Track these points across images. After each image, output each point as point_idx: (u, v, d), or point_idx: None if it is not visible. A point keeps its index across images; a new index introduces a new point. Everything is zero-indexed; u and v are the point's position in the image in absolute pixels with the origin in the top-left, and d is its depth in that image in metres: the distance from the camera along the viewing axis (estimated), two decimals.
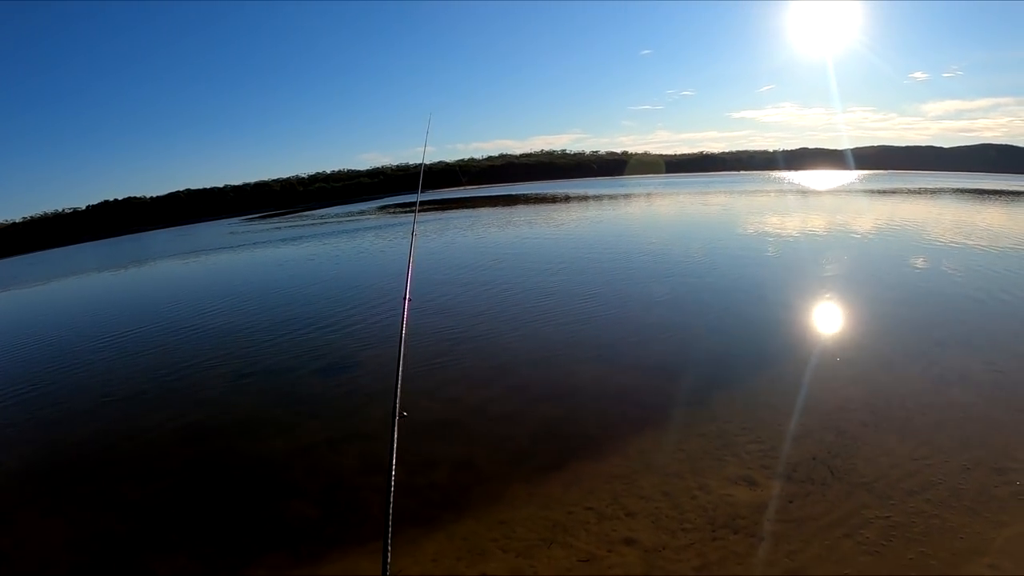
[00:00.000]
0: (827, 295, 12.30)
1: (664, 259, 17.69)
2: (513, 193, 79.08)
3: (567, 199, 57.13)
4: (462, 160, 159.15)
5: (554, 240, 24.51)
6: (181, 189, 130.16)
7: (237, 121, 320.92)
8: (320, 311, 14.36)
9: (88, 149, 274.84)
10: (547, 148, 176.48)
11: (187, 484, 6.68)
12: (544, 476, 6.00)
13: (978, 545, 4.46)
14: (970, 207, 33.94)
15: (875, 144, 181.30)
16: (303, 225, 51.69)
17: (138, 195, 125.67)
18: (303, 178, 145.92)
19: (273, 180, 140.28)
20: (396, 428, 2.72)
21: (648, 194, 58.31)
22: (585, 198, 56.94)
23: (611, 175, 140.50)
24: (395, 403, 2.86)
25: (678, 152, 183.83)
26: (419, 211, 7.34)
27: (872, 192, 50.24)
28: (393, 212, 58.80)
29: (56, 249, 77.06)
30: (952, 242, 18.68)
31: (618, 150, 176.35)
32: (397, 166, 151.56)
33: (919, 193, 46.95)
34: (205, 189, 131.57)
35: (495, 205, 56.34)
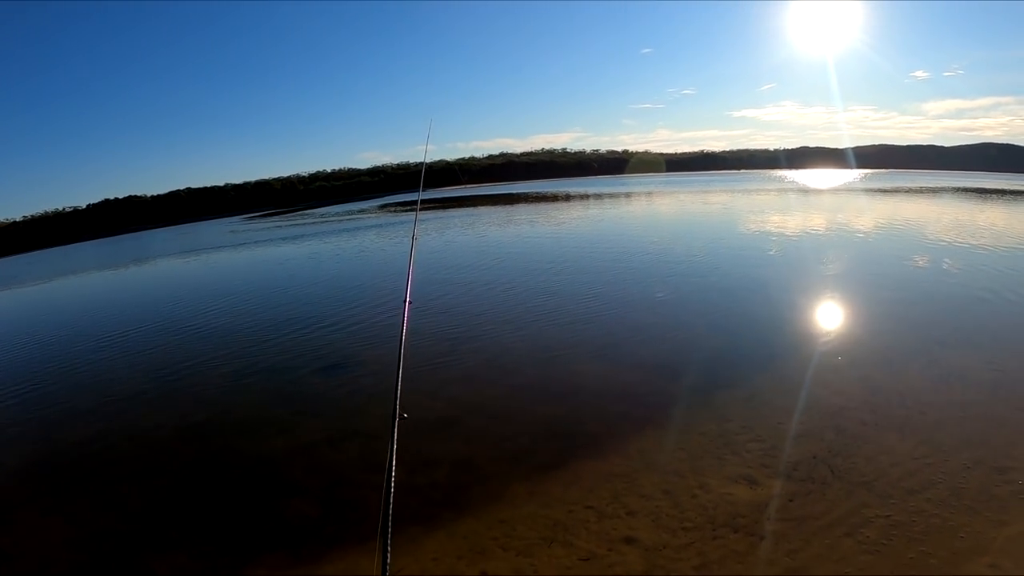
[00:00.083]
0: (828, 294, 12.29)
1: (666, 258, 17.67)
2: (514, 192, 79.06)
3: (568, 198, 57.11)
4: (463, 159, 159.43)
5: (556, 239, 24.50)
6: (181, 188, 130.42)
7: (237, 120, 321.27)
8: (321, 310, 14.36)
9: (88, 148, 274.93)
10: (548, 147, 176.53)
11: (187, 483, 6.68)
12: (544, 475, 6.00)
13: (979, 544, 4.46)
14: (971, 206, 33.91)
15: (876, 143, 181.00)
16: (304, 224, 51.71)
17: (138, 194, 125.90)
18: (304, 177, 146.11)
19: (274, 179, 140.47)
20: (396, 429, 2.72)
21: (649, 193, 58.30)
22: (586, 197, 56.94)
23: (612, 174, 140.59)
24: (395, 405, 2.86)
25: (679, 151, 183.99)
26: (420, 209, 7.34)
27: (873, 191, 50.20)
28: (394, 211, 58.81)
29: (56, 248, 77.17)
30: (953, 241, 18.67)
31: (619, 149, 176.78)
32: (398, 165, 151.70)
33: (920, 192, 46.92)
34: (206, 188, 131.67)
35: (496, 204, 56.36)
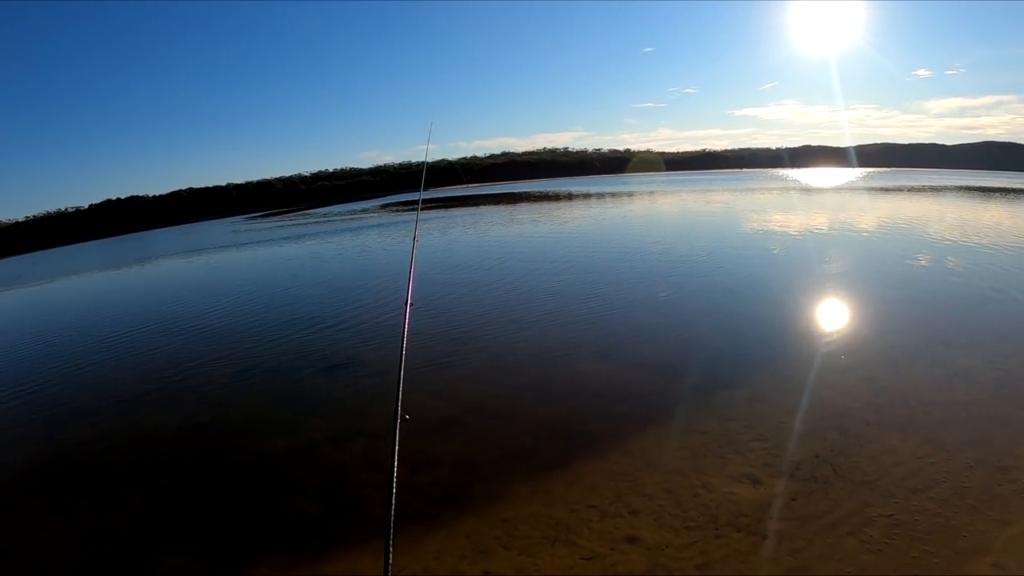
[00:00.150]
0: (831, 293, 12.28)
1: (668, 258, 17.66)
2: (516, 191, 79.06)
3: (570, 197, 57.11)
4: (464, 158, 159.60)
5: (558, 239, 24.49)
6: (184, 188, 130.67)
7: (239, 120, 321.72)
8: (323, 310, 14.36)
9: (89, 148, 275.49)
10: (550, 146, 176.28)
11: (189, 483, 6.69)
12: (547, 474, 6.00)
13: (981, 544, 4.45)
14: (974, 205, 33.83)
15: (878, 141, 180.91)
16: (306, 223, 51.75)
17: (141, 194, 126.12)
18: (305, 176, 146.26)
19: (276, 179, 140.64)
20: (398, 431, 2.72)
21: (651, 192, 58.26)
22: (588, 196, 56.95)
23: (614, 173, 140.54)
24: (397, 407, 2.86)
25: (681, 150, 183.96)
26: (422, 209, 7.33)
27: (875, 190, 50.11)
28: (396, 210, 58.84)
29: (59, 248, 77.30)
30: (956, 240, 18.64)
31: (621, 148, 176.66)
32: (399, 164, 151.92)
33: (922, 191, 46.84)
34: (208, 188, 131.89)
35: (498, 203, 56.35)
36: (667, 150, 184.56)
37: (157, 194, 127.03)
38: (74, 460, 7.60)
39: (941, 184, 56.49)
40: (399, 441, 2.68)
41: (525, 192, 74.41)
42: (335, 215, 60.85)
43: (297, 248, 31.59)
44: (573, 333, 10.51)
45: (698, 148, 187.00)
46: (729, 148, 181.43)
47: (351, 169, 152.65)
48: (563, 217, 35.64)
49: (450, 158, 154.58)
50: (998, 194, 41.05)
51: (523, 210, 44.62)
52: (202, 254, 35.81)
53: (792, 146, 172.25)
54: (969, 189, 47.86)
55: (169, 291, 22.31)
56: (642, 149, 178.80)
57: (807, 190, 52.53)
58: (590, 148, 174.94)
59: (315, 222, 52.35)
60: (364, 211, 62.33)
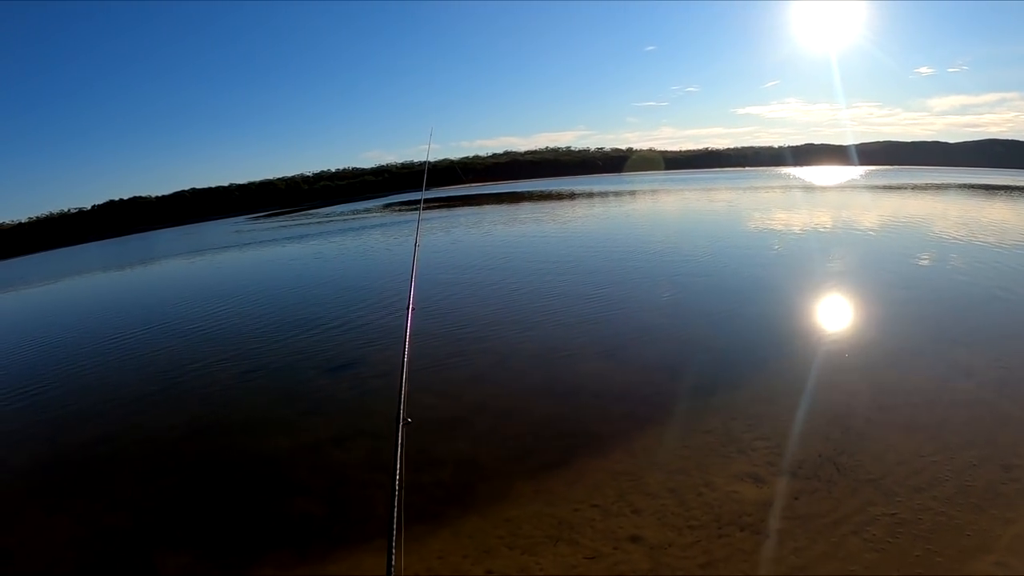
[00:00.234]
0: (833, 292, 12.27)
1: (671, 257, 17.65)
2: (518, 190, 79.03)
3: (572, 196, 57.10)
4: (467, 157, 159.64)
5: (561, 238, 24.49)
6: (186, 188, 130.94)
7: (241, 120, 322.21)
8: (326, 311, 14.38)
9: (92, 148, 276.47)
10: (552, 145, 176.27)
11: (193, 482, 6.71)
12: (550, 474, 6.00)
13: (985, 542, 4.44)
14: (977, 203, 33.75)
15: (881, 139, 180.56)
16: (308, 224, 51.81)
17: (143, 194, 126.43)
18: (308, 176, 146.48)
19: (278, 179, 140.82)
20: (400, 434, 2.73)
21: (654, 191, 58.20)
22: (591, 195, 56.92)
23: (616, 172, 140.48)
24: (399, 410, 2.86)
25: (683, 149, 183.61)
26: (424, 208, 7.34)
27: (878, 188, 50.03)
28: (398, 210, 58.86)
29: (62, 249, 77.46)
30: (959, 238, 18.61)
31: (623, 147, 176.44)
32: (401, 164, 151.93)
33: (925, 189, 46.74)
34: (210, 188, 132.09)
35: (501, 202, 56.38)
36: (669, 149, 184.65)
37: (160, 194, 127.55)
38: (78, 460, 7.62)
39: (944, 182, 56.37)
40: (402, 444, 2.68)
41: (527, 191, 74.41)
42: (338, 215, 60.92)
43: (300, 248, 31.63)
44: (576, 333, 10.51)
45: (700, 147, 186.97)
46: (731, 147, 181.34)
47: (353, 169, 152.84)
48: (566, 216, 35.62)
49: (452, 158, 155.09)
50: (1001, 192, 40.95)
51: (526, 209, 44.61)
52: (205, 255, 35.87)
53: (794, 144, 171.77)
54: (972, 187, 47.74)
55: (172, 292, 22.34)
56: (644, 148, 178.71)
57: (810, 188, 52.46)
58: (592, 147, 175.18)
59: (318, 222, 52.41)
60: (367, 211, 62.38)
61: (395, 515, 2.30)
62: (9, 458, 7.99)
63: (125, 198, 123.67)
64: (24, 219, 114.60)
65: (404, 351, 3.36)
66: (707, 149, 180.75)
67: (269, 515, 5.82)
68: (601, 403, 7.62)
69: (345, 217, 55.28)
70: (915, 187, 48.77)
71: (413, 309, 3.93)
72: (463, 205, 54.41)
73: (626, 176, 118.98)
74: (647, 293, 13.08)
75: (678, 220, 30.04)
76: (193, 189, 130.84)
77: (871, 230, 21.76)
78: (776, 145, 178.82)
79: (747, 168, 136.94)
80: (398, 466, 2.51)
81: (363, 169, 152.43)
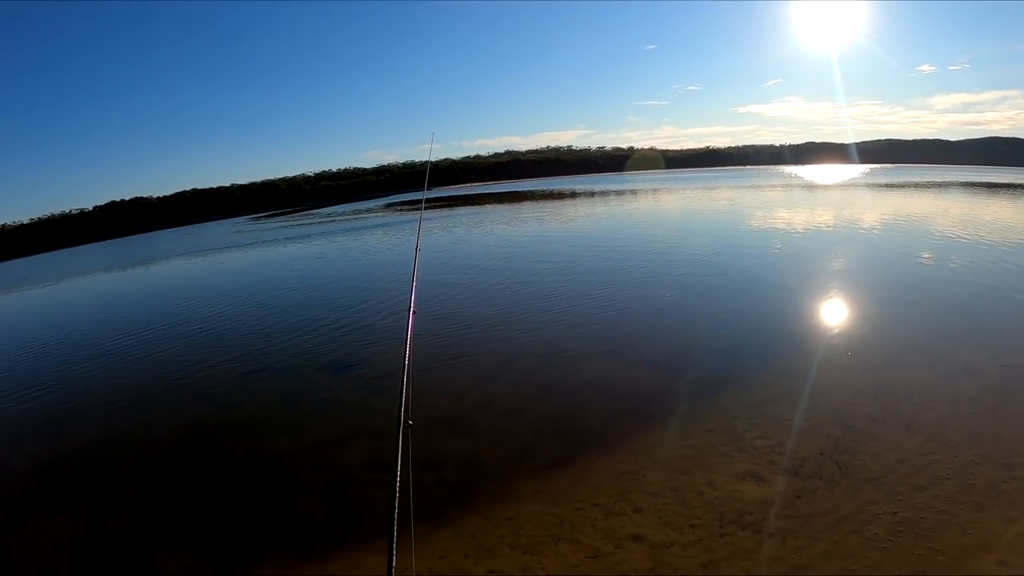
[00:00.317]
0: (835, 291, 12.27)
1: (673, 257, 17.65)
2: (520, 190, 79.07)
3: (574, 195, 57.12)
4: (468, 157, 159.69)
5: (563, 238, 24.50)
6: (188, 189, 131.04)
7: (242, 121, 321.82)
8: (328, 311, 14.40)
9: (93, 149, 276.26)
10: (553, 144, 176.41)
11: (194, 482, 6.72)
12: (551, 473, 6.01)
13: (986, 541, 4.44)
14: (978, 201, 33.71)
15: (882, 138, 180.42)
16: (310, 224, 51.85)
17: (145, 195, 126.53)
18: (309, 176, 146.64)
19: (279, 179, 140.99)
20: (401, 438, 2.73)
21: (655, 190, 58.19)
22: (592, 194, 56.93)
23: (617, 171, 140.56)
24: (400, 414, 2.87)
25: (684, 147, 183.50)
26: (426, 208, 7.35)
27: (879, 186, 49.99)
28: (400, 210, 58.89)
29: (64, 250, 77.55)
30: (960, 236, 18.58)
31: (624, 146, 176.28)
32: (403, 164, 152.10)
33: (927, 187, 46.68)
34: (211, 188, 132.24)
35: (502, 202, 56.39)
36: (671, 148, 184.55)
37: (161, 195, 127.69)
38: (81, 461, 7.64)
39: (945, 180, 56.30)
40: (402, 448, 2.69)
41: (529, 190, 74.43)
42: (339, 215, 60.96)
43: (302, 248, 31.65)
44: (578, 332, 10.51)
45: (702, 146, 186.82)
46: (732, 145, 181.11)
47: (355, 169, 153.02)
48: (568, 215, 35.63)
49: (453, 157, 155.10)
50: (1003, 190, 40.91)
51: (528, 209, 44.62)
52: (207, 255, 35.90)
53: (796, 143, 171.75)
54: (974, 185, 47.69)
55: (175, 293, 22.38)
56: (645, 147, 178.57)
57: (811, 187, 52.43)
58: (593, 146, 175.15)
59: (319, 222, 52.45)
60: (368, 211, 62.41)
61: (395, 517, 2.30)
62: (12, 459, 8.00)
63: (127, 199, 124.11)
64: (26, 220, 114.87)
65: (405, 355, 3.37)
66: (708, 148, 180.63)
67: (271, 515, 5.83)
68: (603, 402, 7.62)
69: (347, 217, 55.31)
70: (916, 185, 48.73)
71: (414, 313, 3.93)
72: (465, 204, 54.45)
73: (627, 175, 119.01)
74: (649, 293, 13.08)
75: (680, 219, 30.02)
76: (194, 189, 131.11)
77: (873, 229, 21.74)
78: (777, 144, 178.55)
79: (748, 167, 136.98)
80: (399, 469, 2.52)
81: (364, 169, 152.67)
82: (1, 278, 42.91)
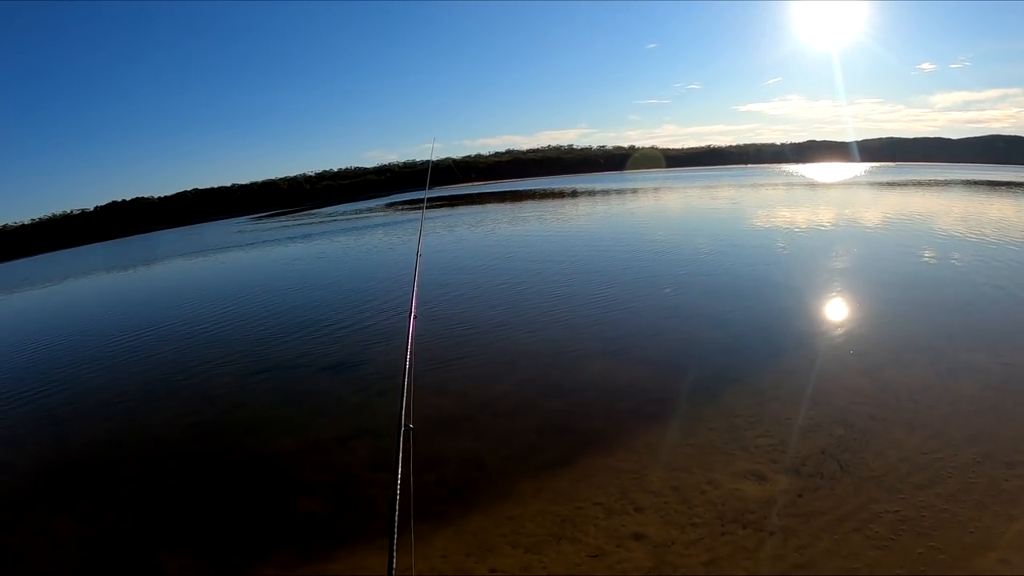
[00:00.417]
0: (836, 289, 12.26)
1: (674, 255, 17.66)
2: (521, 189, 79.08)
3: (575, 194, 57.12)
4: (469, 156, 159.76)
5: (564, 237, 24.51)
6: (189, 189, 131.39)
7: (243, 121, 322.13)
8: (330, 311, 14.41)
9: (94, 150, 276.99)
10: (554, 143, 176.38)
11: (196, 482, 6.72)
12: (552, 471, 6.01)
13: (988, 539, 4.44)
14: (980, 199, 33.68)
15: (883, 136, 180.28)
16: (311, 223, 51.86)
17: (146, 195, 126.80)
18: (310, 176, 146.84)
19: (280, 179, 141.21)
20: (402, 440, 2.74)
21: (656, 189, 58.17)
22: (593, 193, 56.92)
23: (618, 169, 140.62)
24: (401, 416, 2.87)
25: (686, 146, 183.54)
26: (428, 207, 7.35)
27: (881, 185, 49.95)
28: (401, 209, 58.91)
29: (66, 250, 77.61)
30: (961, 235, 18.56)
31: (625, 144, 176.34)
32: (404, 163, 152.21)
33: (928, 185, 46.64)
34: (212, 188, 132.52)
35: (504, 201, 56.40)
36: (672, 146, 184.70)
37: (162, 195, 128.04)
38: (82, 461, 7.65)
39: (946, 178, 56.27)
40: (403, 450, 2.69)
41: (530, 189, 74.44)
42: (340, 215, 60.97)
43: (303, 248, 31.67)
44: (579, 330, 10.51)
45: (703, 144, 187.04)
46: (733, 144, 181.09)
47: (355, 168, 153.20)
48: (570, 214, 35.65)
49: (454, 156, 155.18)
50: (1004, 188, 40.86)
51: (529, 208, 44.61)
52: (209, 255, 35.93)
53: (796, 141, 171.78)
54: (975, 183, 47.65)
55: (177, 293, 22.41)
56: (647, 146, 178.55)
57: (812, 185, 52.39)
58: (594, 145, 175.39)
59: (320, 222, 52.47)
60: (369, 210, 62.42)
61: (396, 519, 2.31)
62: (13, 459, 8.01)
63: (128, 199, 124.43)
64: (27, 220, 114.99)
65: (406, 359, 3.37)
66: (709, 147, 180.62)
67: (273, 514, 5.84)
68: (604, 401, 7.62)
69: (348, 217, 55.32)
70: (918, 184, 48.70)
71: (415, 317, 3.93)
72: (466, 204, 54.44)
73: (628, 174, 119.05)
74: (652, 292, 13.07)
75: (682, 218, 30.02)
76: (196, 190, 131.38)
77: (875, 227, 21.72)
78: (778, 142, 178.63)
79: (749, 165, 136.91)
80: (399, 471, 2.52)
81: (365, 168, 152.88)
82: (3, 278, 42.98)
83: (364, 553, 5.01)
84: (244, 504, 6.13)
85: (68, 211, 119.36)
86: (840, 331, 9.59)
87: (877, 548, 4.45)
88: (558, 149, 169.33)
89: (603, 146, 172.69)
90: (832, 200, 36.38)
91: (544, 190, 70.46)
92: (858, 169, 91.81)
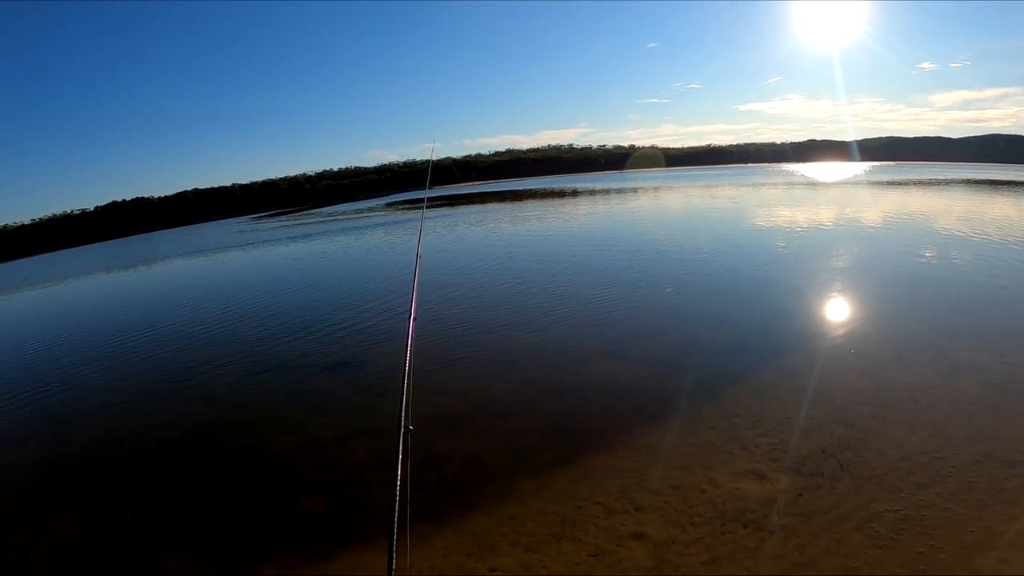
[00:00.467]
0: (837, 289, 12.25)
1: (674, 255, 17.65)
2: (521, 188, 79.04)
3: (575, 194, 57.07)
4: (469, 155, 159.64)
5: (565, 236, 24.48)
6: (189, 189, 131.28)
7: (243, 120, 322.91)
8: (331, 311, 14.41)
9: (94, 150, 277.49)
10: (554, 143, 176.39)
11: (197, 481, 6.73)
12: (553, 471, 6.01)
13: (988, 539, 4.44)
14: (981, 198, 33.66)
15: (883, 135, 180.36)
16: (311, 223, 51.84)
17: (146, 195, 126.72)
18: (310, 176, 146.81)
19: (280, 178, 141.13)
20: (401, 442, 2.74)
21: (656, 188, 58.14)
22: (593, 192, 56.88)
23: (618, 169, 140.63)
24: (401, 419, 2.87)
25: (686, 145, 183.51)
26: (428, 207, 7.34)
27: (881, 184, 49.92)
28: (401, 208, 58.89)
29: (66, 250, 77.60)
30: (963, 234, 18.54)
31: (625, 144, 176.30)
32: (404, 163, 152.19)
33: (929, 184, 46.61)
34: (213, 188, 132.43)
35: (504, 200, 56.38)
36: (672, 146, 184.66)
37: (162, 195, 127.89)
38: (84, 461, 7.65)
39: (947, 178, 56.22)
40: (403, 452, 2.69)
41: (531, 189, 74.42)
42: (340, 214, 60.96)
43: (304, 248, 31.67)
44: (579, 330, 10.51)
45: (703, 143, 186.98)
46: (733, 143, 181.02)
47: (355, 168, 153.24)
48: (570, 214, 35.63)
49: (455, 156, 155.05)
50: (1004, 187, 40.84)
51: (529, 207, 44.57)
52: (209, 255, 35.94)
53: (797, 140, 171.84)
54: (975, 182, 47.63)
55: (177, 293, 22.41)
56: (647, 145, 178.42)
57: (813, 185, 52.34)
58: (595, 144, 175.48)
59: (320, 221, 52.46)
60: (369, 210, 62.40)
61: (395, 520, 2.31)
62: (14, 458, 8.02)
63: (128, 199, 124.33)
64: (27, 221, 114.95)
65: (406, 361, 3.37)
66: (709, 146, 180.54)
67: (273, 514, 5.84)
68: (604, 400, 7.62)
69: (348, 216, 55.30)
70: (918, 183, 48.67)
71: (415, 319, 3.93)
72: (466, 203, 54.44)
73: (628, 173, 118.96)
74: (653, 292, 13.06)
75: (682, 218, 29.99)
76: (196, 189, 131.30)
77: (876, 227, 21.71)
78: (778, 141, 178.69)
79: (749, 164, 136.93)
80: (399, 473, 2.52)
81: (365, 168, 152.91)
82: (4, 279, 43.00)
83: (364, 553, 5.01)
84: (245, 504, 6.14)
85: (68, 211, 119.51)
86: (841, 331, 9.59)
87: (877, 547, 4.45)
88: (558, 149, 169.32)
89: (603, 145, 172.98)
90: (833, 199, 36.35)
91: (544, 190, 70.44)
92: (858, 168, 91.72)
